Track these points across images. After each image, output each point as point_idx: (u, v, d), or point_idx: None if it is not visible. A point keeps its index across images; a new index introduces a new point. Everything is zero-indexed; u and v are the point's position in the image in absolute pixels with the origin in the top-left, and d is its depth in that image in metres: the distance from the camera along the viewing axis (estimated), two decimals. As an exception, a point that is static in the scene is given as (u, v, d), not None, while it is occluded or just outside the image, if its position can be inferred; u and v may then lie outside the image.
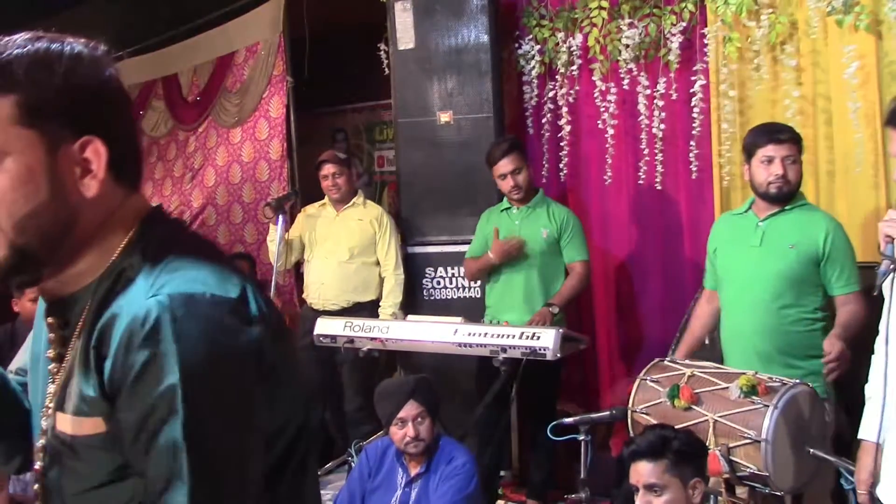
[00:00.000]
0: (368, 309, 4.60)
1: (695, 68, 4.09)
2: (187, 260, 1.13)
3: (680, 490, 2.41)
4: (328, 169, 4.71)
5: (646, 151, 4.33)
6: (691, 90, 4.10)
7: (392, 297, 4.64)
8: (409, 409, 3.18)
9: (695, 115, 4.10)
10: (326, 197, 4.79)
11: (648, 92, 4.25)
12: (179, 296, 1.06)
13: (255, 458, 1.10)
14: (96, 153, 1.11)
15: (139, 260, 1.12)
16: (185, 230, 1.24)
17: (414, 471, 3.23)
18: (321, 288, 4.67)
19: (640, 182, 4.38)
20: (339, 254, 4.65)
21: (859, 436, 2.45)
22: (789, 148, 3.12)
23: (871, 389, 2.46)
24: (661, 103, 4.22)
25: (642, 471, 2.42)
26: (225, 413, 1.06)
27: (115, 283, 1.12)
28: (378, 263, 4.69)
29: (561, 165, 4.65)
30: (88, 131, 1.11)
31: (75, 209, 1.11)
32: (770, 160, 3.12)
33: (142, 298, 1.06)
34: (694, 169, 4.17)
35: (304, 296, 4.85)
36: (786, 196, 3.15)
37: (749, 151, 3.21)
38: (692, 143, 4.15)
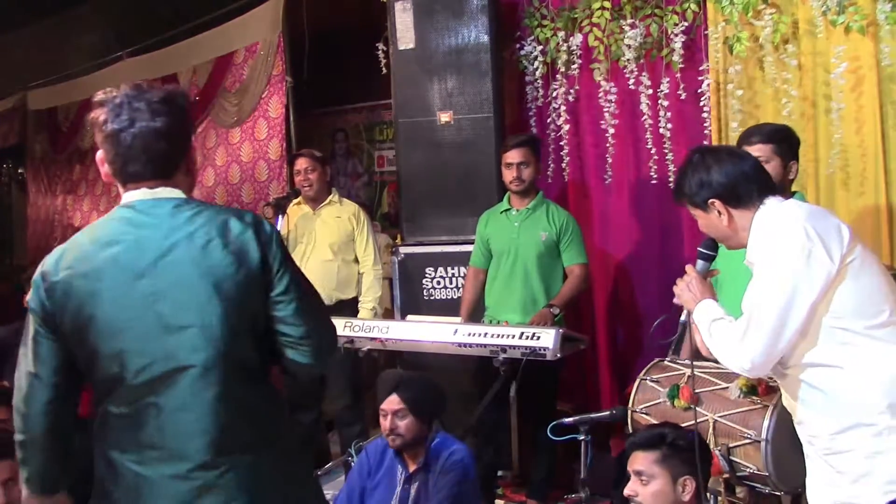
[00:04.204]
0: (350, 306, 4.60)
1: (701, 68, 4.09)
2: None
3: (667, 483, 2.44)
4: (301, 163, 4.71)
5: (647, 152, 4.33)
6: (699, 90, 4.09)
7: (372, 292, 4.65)
8: (391, 402, 3.18)
9: (699, 115, 4.10)
10: (301, 196, 4.77)
11: (650, 92, 4.25)
12: None
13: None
14: None
15: None
16: None
17: (412, 467, 3.23)
18: None
19: (642, 182, 4.38)
20: (322, 252, 4.63)
21: None
22: (760, 149, 3.10)
23: None
24: (664, 103, 4.22)
25: (635, 458, 2.51)
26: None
27: None
28: (357, 260, 4.70)
29: (562, 165, 4.65)
30: None
31: None
32: None
33: None
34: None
35: None
36: None
37: None
38: (694, 143, 4.14)
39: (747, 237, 2.24)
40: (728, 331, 2.18)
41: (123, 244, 1.83)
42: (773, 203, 2.22)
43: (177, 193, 1.89)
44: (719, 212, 2.24)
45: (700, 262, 2.41)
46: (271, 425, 1.92)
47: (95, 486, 1.90)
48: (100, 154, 1.89)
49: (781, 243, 2.10)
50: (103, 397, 1.86)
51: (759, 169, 2.28)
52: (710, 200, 2.24)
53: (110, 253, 1.83)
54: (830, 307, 2.08)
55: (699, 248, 2.42)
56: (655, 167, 4.31)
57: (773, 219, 2.18)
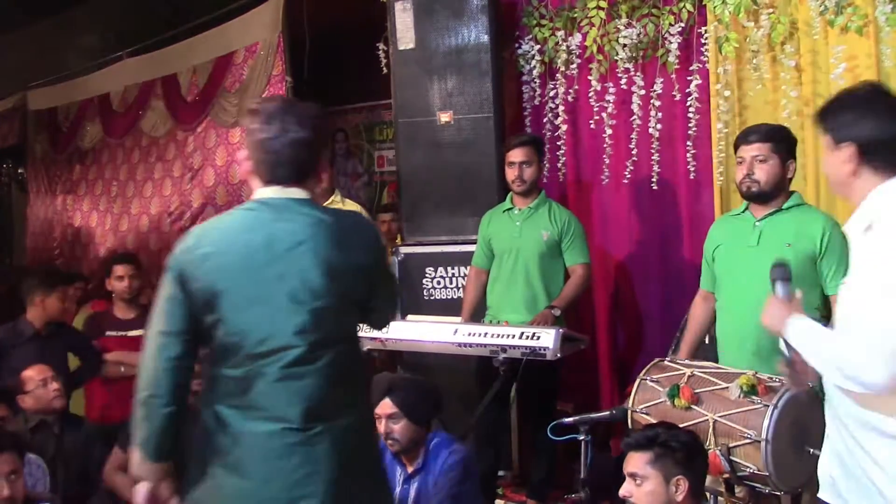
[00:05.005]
0: None
1: (692, 68, 4.09)
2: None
3: (660, 484, 2.45)
4: None
5: (644, 151, 4.33)
6: (687, 90, 4.10)
7: None
8: (383, 406, 3.15)
9: (694, 116, 4.10)
10: None
11: (644, 92, 4.25)
12: None
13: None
14: None
15: None
16: None
17: (411, 467, 3.22)
18: None
19: (641, 182, 4.38)
20: None
21: None
22: (759, 148, 3.13)
23: None
24: (658, 103, 4.23)
25: (629, 460, 2.52)
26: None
27: None
28: None
29: (561, 165, 4.65)
30: None
31: None
32: (742, 161, 3.17)
33: None
34: (693, 169, 4.17)
35: None
36: (756, 195, 3.16)
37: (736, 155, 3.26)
38: (691, 143, 4.15)
39: (858, 198, 2.01)
40: (843, 346, 1.90)
41: (259, 232, 2.11)
42: None
43: (306, 195, 2.18)
44: (848, 159, 2.00)
45: (779, 287, 2.15)
46: (361, 393, 2.28)
47: (203, 438, 2.15)
48: (244, 153, 2.20)
49: None
50: (220, 361, 2.13)
51: None
52: (845, 143, 2.01)
53: (247, 238, 2.11)
54: None
55: (772, 278, 2.17)
56: (654, 168, 4.30)
57: None
